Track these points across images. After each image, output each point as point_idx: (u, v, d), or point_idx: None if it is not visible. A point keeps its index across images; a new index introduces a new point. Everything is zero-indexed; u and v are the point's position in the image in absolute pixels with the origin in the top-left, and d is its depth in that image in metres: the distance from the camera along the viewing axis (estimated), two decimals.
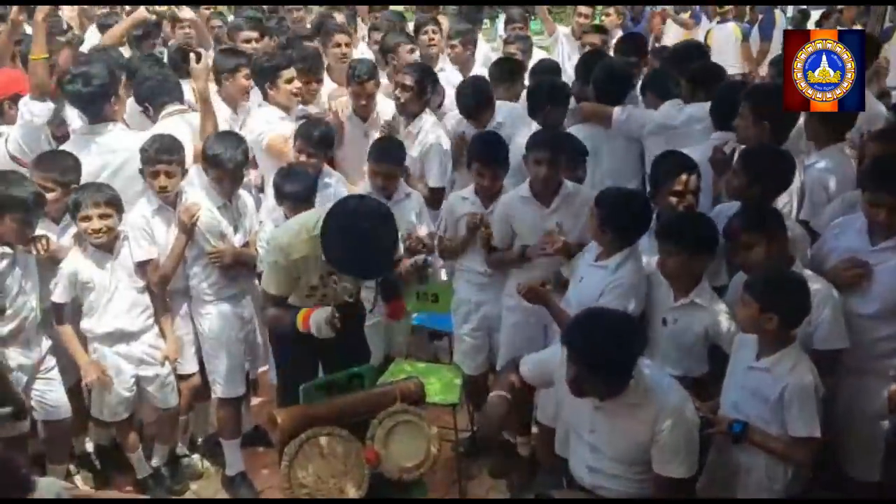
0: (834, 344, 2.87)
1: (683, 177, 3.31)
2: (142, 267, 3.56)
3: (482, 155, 3.68)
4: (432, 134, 4.42)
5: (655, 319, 3.11)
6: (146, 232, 3.56)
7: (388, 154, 3.92)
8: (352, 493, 2.72)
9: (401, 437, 2.82)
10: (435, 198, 4.33)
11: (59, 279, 3.43)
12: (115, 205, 3.44)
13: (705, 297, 3.04)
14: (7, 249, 3.17)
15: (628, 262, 3.12)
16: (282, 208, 3.64)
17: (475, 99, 4.38)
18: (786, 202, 3.45)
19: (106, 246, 3.47)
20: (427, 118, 4.49)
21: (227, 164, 3.52)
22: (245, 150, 3.65)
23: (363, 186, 4.10)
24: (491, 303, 3.76)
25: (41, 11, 3.66)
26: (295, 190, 3.55)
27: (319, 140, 3.90)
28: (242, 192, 3.81)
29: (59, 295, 3.44)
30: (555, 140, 3.56)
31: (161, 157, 3.50)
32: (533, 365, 2.87)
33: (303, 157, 3.88)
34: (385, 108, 4.65)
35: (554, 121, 4.20)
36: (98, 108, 3.76)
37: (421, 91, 4.41)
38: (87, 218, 3.37)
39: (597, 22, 7.25)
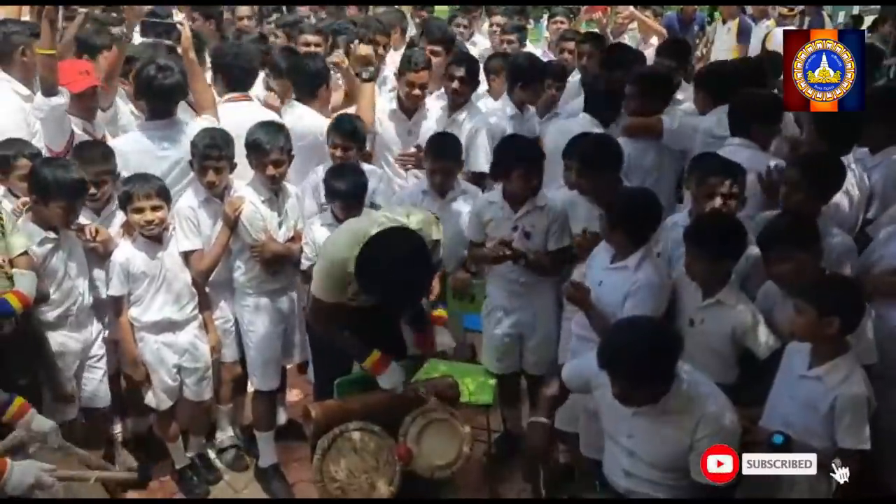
0: (864, 359, 2.77)
1: (713, 180, 3.24)
2: (186, 257, 3.59)
3: (529, 157, 3.59)
4: (478, 120, 4.53)
5: (682, 320, 3.08)
6: (192, 222, 3.59)
7: (446, 150, 3.93)
8: (383, 489, 2.73)
9: (434, 435, 2.82)
10: (477, 182, 4.36)
11: (112, 272, 3.47)
12: (164, 195, 3.48)
13: (732, 297, 3.00)
14: (51, 234, 3.22)
15: (648, 260, 3.10)
16: (330, 207, 3.62)
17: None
18: (841, 206, 3.38)
19: (156, 236, 3.51)
20: (473, 105, 4.63)
21: (267, 146, 3.53)
22: (287, 137, 3.65)
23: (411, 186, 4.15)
24: (523, 309, 3.71)
25: (49, 11, 3.66)
26: (345, 188, 3.51)
27: (354, 133, 3.88)
28: (289, 186, 3.80)
29: (114, 288, 3.49)
30: (586, 151, 3.52)
31: (210, 153, 3.52)
32: (572, 371, 2.84)
33: (338, 153, 3.87)
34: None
35: None
36: (177, 103, 3.86)
37: (471, 81, 4.61)
38: (140, 210, 3.41)
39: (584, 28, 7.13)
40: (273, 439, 3.88)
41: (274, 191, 3.66)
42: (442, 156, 3.90)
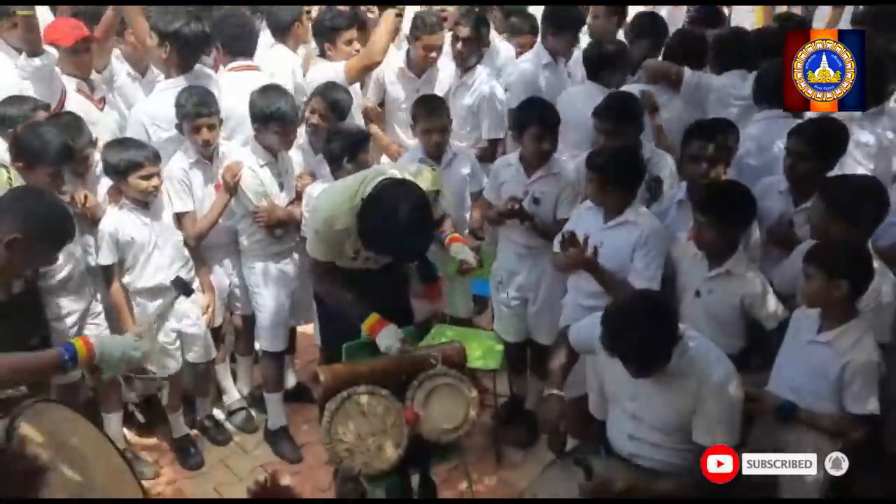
0: (880, 336, 2.74)
1: (696, 143, 3.26)
2: (178, 219, 3.57)
3: (542, 118, 3.55)
4: (487, 84, 4.43)
5: (688, 292, 3.08)
6: (185, 184, 3.57)
7: (438, 109, 3.86)
8: (390, 452, 2.75)
9: (441, 399, 2.83)
10: (492, 149, 4.32)
11: (100, 240, 3.43)
12: (159, 159, 3.46)
13: (741, 266, 3.00)
14: None
15: (643, 211, 3.21)
16: (330, 168, 3.60)
17: None
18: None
19: (144, 201, 3.47)
20: (482, 69, 4.52)
21: (287, 116, 3.51)
22: (293, 100, 3.63)
23: (411, 150, 4.10)
24: (526, 273, 3.71)
25: None
26: (341, 147, 3.50)
27: (335, 105, 3.77)
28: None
29: (104, 257, 3.44)
30: (619, 109, 3.53)
31: (201, 111, 3.49)
32: (578, 333, 2.85)
33: (314, 118, 3.79)
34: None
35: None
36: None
37: (478, 41, 4.47)
38: (149, 176, 3.38)
39: None
40: (282, 401, 3.92)
41: (274, 153, 3.64)
42: (435, 114, 3.82)
